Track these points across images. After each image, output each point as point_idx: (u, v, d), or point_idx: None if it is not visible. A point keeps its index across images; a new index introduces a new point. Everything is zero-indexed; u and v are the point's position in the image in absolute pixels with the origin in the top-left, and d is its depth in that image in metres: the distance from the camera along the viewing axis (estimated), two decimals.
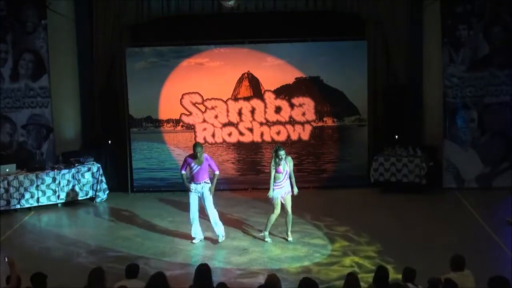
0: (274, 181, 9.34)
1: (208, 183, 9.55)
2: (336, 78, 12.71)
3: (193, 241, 9.63)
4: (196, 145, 9.67)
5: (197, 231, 9.67)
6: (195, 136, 12.97)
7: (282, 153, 9.27)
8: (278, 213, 9.50)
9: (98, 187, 12.32)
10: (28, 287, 6.22)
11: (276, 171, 9.33)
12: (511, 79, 12.09)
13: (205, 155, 9.58)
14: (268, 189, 9.38)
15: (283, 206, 9.48)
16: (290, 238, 9.61)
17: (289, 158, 9.54)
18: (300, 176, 12.78)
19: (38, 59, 12.55)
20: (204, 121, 12.98)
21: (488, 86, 12.18)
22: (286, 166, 9.40)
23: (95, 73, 13.43)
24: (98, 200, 12.34)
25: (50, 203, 11.91)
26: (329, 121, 12.96)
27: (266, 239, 9.59)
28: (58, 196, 11.95)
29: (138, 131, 13.06)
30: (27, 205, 11.72)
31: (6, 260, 6.26)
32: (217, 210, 9.66)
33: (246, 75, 12.86)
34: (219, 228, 9.64)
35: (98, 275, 6.06)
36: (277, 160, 9.29)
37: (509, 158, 12.19)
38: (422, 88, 13.05)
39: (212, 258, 8.87)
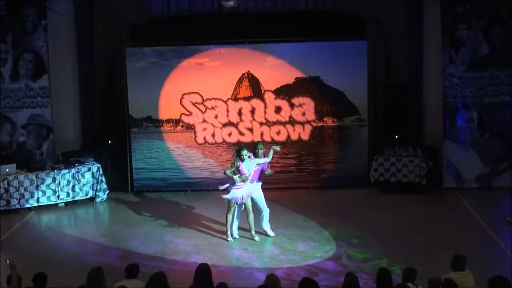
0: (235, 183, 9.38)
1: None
2: (336, 78, 12.71)
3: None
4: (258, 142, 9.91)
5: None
6: (195, 136, 12.98)
7: (245, 153, 9.29)
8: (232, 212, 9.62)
9: (98, 187, 12.32)
10: (28, 287, 6.23)
11: (240, 172, 9.34)
12: (511, 79, 12.09)
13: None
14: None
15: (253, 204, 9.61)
16: (256, 238, 9.66)
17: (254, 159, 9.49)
18: (300, 176, 12.86)
19: (38, 59, 12.55)
20: (204, 121, 12.98)
21: (488, 86, 12.17)
22: (251, 166, 9.37)
23: (95, 73, 13.42)
24: (98, 200, 12.34)
25: (50, 203, 11.92)
26: (329, 121, 12.96)
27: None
28: (58, 196, 11.96)
29: (138, 131, 13.05)
30: (27, 205, 11.72)
31: (8, 262, 6.28)
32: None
33: (246, 75, 12.86)
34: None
35: (97, 275, 6.08)
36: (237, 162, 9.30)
37: (509, 158, 12.19)
38: (422, 88, 13.04)
39: (212, 258, 8.87)
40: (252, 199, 9.65)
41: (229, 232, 9.68)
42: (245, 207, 9.59)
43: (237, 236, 9.75)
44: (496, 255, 8.76)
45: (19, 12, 12.40)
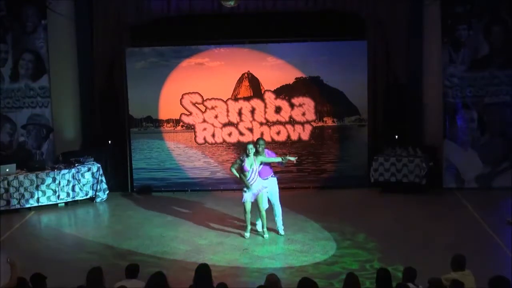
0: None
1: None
2: (336, 78, 12.70)
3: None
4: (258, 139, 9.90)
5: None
6: (195, 136, 12.98)
7: (250, 146, 9.38)
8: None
9: (98, 187, 12.32)
10: (28, 287, 6.23)
11: (243, 169, 9.44)
12: (511, 79, 12.09)
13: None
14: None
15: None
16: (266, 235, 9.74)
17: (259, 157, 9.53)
18: (300, 176, 12.86)
19: (38, 59, 12.55)
20: (204, 121, 12.98)
21: (488, 86, 12.18)
22: (254, 163, 9.42)
23: (95, 73, 13.42)
24: (98, 200, 12.34)
25: (50, 203, 11.91)
26: (329, 121, 12.96)
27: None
28: (58, 196, 11.95)
29: (138, 131, 13.05)
30: (27, 205, 11.71)
31: (8, 261, 6.28)
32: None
33: (246, 75, 12.86)
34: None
35: (97, 275, 6.07)
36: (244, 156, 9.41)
37: (509, 158, 12.19)
38: (422, 88, 13.03)
39: (212, 258, 8.87)
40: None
41: (248, 228, 9.78)
42: (258, 203, 9.57)
43: (266, 235, 9.76)
44: (496, 255, 8.76)
45: (19, 12, 12.39)
